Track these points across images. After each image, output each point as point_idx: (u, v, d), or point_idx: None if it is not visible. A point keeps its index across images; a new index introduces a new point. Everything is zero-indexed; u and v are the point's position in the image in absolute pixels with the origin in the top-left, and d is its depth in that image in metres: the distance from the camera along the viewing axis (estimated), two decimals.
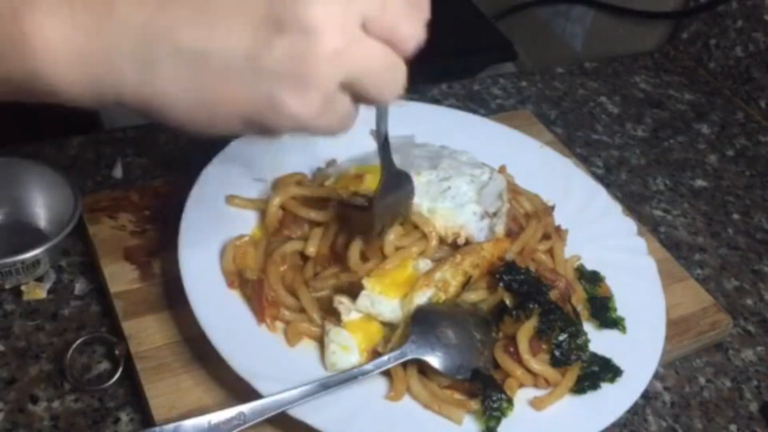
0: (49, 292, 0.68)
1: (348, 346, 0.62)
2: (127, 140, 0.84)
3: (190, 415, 0.56)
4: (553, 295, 0.67)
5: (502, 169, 0.80)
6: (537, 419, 0.62)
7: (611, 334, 0.69)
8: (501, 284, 0.66)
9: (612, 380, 0.65)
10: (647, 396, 0.69)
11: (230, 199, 0.71)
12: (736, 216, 0.92)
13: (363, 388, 0.60)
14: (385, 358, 0.61)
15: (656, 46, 1.22)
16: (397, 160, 0.75)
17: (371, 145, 0.81)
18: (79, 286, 0.69)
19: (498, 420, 0.60)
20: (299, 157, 0.77)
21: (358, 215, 0.66)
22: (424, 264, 0.66)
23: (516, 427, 0.61)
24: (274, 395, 0.57)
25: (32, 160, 0.72)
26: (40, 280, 0.68)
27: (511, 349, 0.64)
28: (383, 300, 0.64)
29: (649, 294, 0.73)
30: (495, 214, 0.71)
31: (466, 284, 0.67)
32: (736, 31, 1.12)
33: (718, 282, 0.83)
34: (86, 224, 0.71)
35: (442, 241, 0.67)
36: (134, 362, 0.62)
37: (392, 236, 0.65)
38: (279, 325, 0.64)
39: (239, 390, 0.59)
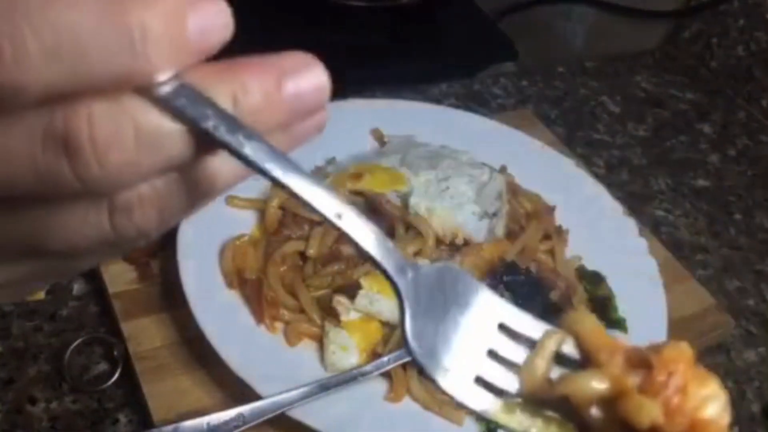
0: (48, 292, 0.67)
1: (347, 347, 0.62)
2: None
3: (189, 417, 0.56)
4: (554, 295, 0.66)
5: (502, 169, 0.80)
6: None
7: (612, 334, 0.69)
8: (501, 285, 0.65)
9: None
10: None
11: (229, 200, 0.71)
12: (737, 216, 0.92)
13: (363, 389, 0.60)
14: (384, 359, 0.61)
15: (657, 45, 1.21)
16: (397, 160, 0.75)
17: (371, 144, 0.82)
18: (78, 287, 0.68)
19: None
20: (298, 156, 0.76)
21: None
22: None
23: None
24: (273, 396, 0.57)
25: None
26: None
27: None
28: (382, 299, 0.63)
29: (650, 294, 0.72)
30: (494, 215, 0.71)
31: None
32: (738, 30, 1.11)
33: (720, 282, 0.83)
34: None
35: (440, 240, 0.67)
36: (133, 363, 0.62)
37: None
38: (278, 325, 0.64)
39: (238, 391, 0.59)
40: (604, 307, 0.70)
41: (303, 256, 0.68)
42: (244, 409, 0.56)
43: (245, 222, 0.70)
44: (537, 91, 1.05)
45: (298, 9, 1.09)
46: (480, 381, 0.30)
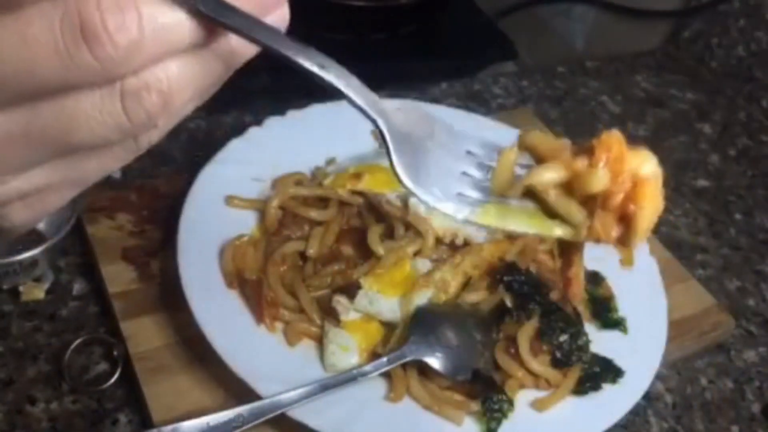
0: (48, 292, 0.67)
1: (347, 347, 0.62)
2: None
3: (189, 417, 0.56)
4: (554, 295, 0.66)
5: None
6: (538, 420, 0.62)
7: (613, 334, 0.69)
8: (501, 285, 0.65)
9: (613, 381, 0.64)
10: (649, 397, 0.68)
11: (229, 200, 0.71)
12: (738, 216, 0.92)
13: (363, 390, 0.60)
14: (384, 359, 0.61)
15: (658, 45, 1.21)
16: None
17: (371, 144, 0.81)
18: (78, 287, 0.68)
19: (498, 421, 0.60)
20: (298, 156, 0.76)
21: None
22: (423, 264, 0.66)
23: (517, 428, 0.60)
24: (273, 396, 0.57)
25: None
26: (38, 280, 0.67)
27: (512, 350, 0.63)
28: (381, 299, 0.63)
29: (650, 294, 0.72)
30: None
31: (466, 285, 0.66)
32: (738, 30, 1.11)
33: (720, 282, 0.82)
34: (84, 224, 0.71)
35: (439, 240, 0.67)
36: (133, 363, 0.61)
37: (375, 236, 0.65)
38: (278, 325, 0.64)
39: (238, 391, 0.59)
40: (604, 307, 0.70)
41: (303, 256, 0.68)
42: (243, 409, 0.56)
43: (245, 222, 0.70)
44: (537, 91, 1.05)
45: (297, 8, 1.08)
46: (459, 195, 0.37)
